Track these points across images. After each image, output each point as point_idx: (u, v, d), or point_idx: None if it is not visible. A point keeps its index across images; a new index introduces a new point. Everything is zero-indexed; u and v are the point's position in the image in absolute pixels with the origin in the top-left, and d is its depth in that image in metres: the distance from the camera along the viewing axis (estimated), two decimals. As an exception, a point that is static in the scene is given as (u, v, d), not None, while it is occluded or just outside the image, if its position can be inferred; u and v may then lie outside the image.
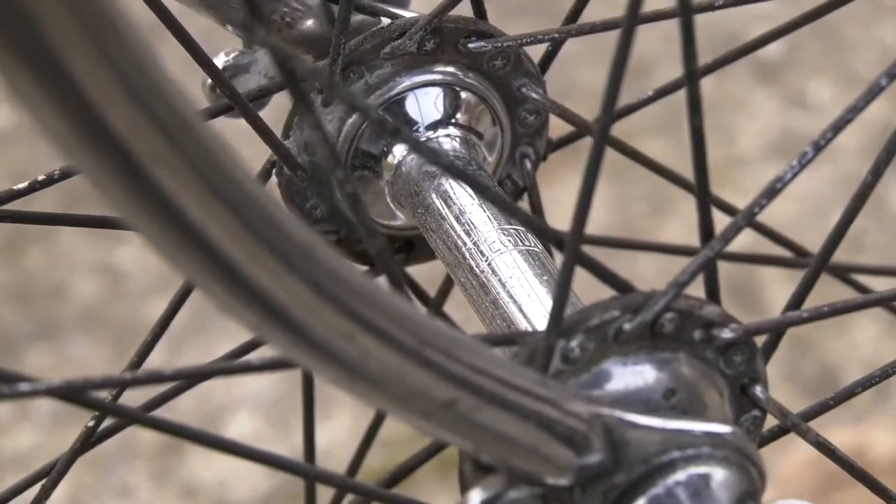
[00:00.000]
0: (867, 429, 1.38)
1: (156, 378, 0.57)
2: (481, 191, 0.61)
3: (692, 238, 0.67)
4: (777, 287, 1.44)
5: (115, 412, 0.62)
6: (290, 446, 1.36)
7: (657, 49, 1.61)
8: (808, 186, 1.54)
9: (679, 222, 1.53)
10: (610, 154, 0.76)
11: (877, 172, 0.59)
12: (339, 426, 1.34)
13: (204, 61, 0.63)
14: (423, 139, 0.69)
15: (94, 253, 1.45)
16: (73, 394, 0.55)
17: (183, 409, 1.27)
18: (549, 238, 0.60)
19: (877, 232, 1.36)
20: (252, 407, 1.36)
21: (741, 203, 0.81)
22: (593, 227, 0.61)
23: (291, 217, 0.46)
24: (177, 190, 0.43)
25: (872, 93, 0.59)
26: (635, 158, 0.75)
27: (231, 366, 0.61)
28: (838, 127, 0.59)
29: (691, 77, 0.55)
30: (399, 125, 0.67)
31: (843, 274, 0.80)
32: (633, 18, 0.52)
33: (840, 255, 0.86)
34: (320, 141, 0.63)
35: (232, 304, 0.46)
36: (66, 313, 1.37)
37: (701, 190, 0.58)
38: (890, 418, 1.40)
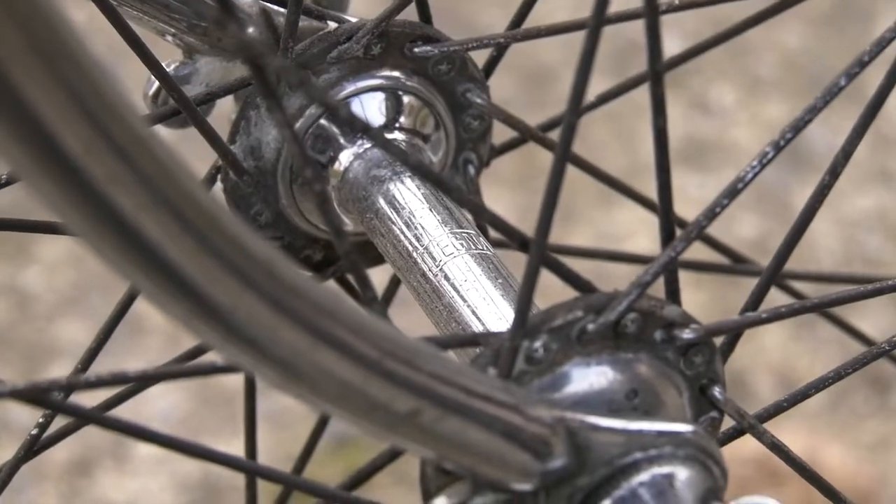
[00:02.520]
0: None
1: (121, 379, 0.57)
2: (448, 191, 0.61)
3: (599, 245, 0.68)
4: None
5: (77, 413, 0.61)
6: (200, 464, 1.36)
7: (559, 56, 1.62)
8: (712, 190, 1.56)
9: (587, 231, 1.54)
10: (516, 164, 0.76)
11: (834, 173, 0.60)
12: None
13: (154, 65, 0.64)
14: (369, 143, 0.69)
15: (1, 274, 1.44)
16: (37, 395, 0.55)
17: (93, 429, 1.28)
18: (515, 239, 0.59)
19: (781, 235, 1.38)
20: (162, 425, 1.36)
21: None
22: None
23: (249, 232, 0.46)
24: (133, 209, 0.43)
25: (832, 93, 0.60)
26: (586, 169, 0.76)
27: (190, 368, 0.61)
28: (797, 127, 0.60)
29: (656, 78, 0.56)
30: (368, 123, 0.67)
31: (781, 282, 0.81)
32: (600, 18, 0.53)
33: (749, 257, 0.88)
34: (289, 139, 0.62)
35: (187, 318, 0.46)
36: None
37: (663, 191, 0.59)
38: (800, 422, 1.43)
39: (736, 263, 0.83)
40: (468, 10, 1.80)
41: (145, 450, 1.38)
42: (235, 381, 1.42)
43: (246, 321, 0.46)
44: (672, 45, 0.96)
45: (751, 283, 0.85)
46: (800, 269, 0.91)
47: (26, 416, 1.34)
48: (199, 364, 0.65)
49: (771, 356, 1.35)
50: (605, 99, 0.75)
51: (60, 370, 1.33)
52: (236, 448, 1.41)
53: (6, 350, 1.37)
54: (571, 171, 0.79)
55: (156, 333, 1.45)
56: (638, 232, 1.45)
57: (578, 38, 0.60)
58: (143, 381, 0.65)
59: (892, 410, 1.23)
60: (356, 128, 0.64)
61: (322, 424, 0.80)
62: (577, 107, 0.54)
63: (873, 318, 1.29)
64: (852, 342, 1.30)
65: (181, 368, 0.61)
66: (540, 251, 0.56)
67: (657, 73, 0.56)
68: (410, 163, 0.65)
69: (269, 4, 0.71)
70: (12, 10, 0.38)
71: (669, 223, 0.60)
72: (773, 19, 1.02)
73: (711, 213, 0.60)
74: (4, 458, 1.31)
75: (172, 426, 1.31)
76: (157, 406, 1.32)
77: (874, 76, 0.71)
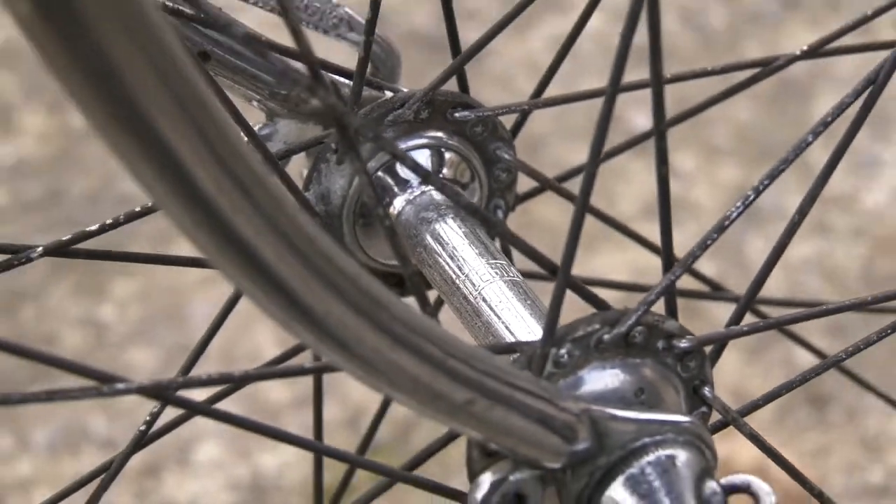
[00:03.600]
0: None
1: (227, 379, 0.58)
2: (493, 226, 0.61)
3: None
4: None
5: (190, 407, 0.61)
6: (250, 468, 1.35)
7: (549, 127, 1.62)
8: (676, 240, 1.54)
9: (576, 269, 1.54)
10: (513, 217, 0.77)
11: (802, 212, 0.61)
12: (290, 451, 1.33)
13: (244, 126, 0.65)
14: (419, 191, 0.69)
15: (79, 308, 1.44)
16: (159, 391, 0.56)
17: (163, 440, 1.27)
18: (546, 266, 0.60)
19: (736, 276, 1.38)
20: (216, 436, 1.35)
21: (630, 249, 0.82)
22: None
23: (342, 254, 0.46)
24: (252, 234, 0.43)
25: (800, 148, 0.61)
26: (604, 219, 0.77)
27: (286, 369, 0.61)
28: (773, 175, 0.60)
29: (660, 135, 0.57)
30: (429, 172, 0.68)
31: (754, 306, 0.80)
32: (616, 85, 0.53)
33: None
34: (365, 183, 0.63)
35: (290, 322, 0.46)
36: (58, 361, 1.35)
37: (664, 228, 0.59)
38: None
39: (716, 291, 0.83)
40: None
41: (204, 455, 1.36)
42: (280, 397, 1.41)
43: (337, 325, 0.46)
44: (645, 121, 0.96)
45: (706, 312, 0.85)
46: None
47: (103, 424, 1.33)
48: (288, 367, 0.66)
49: (727, 379, 1.36)
50: (613, 153, 0.75)
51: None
52: (280, 452, 1.41)
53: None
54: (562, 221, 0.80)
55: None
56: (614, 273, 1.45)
57: (567, 111, 0.61)
58: (245, 381, 0.65)
59: (829, 424, 1.22)
60: (419, 173, 0.64)
61: (381, 415, 0.79)
62: (597, 158, 0.55)
63: (815, 340, 1.29)
64: (797, 364, 1.31)
65: (275, 369, 0.61)
66: (566, 276, 0.56)
67: (661, 131, 0.57)
68: (462, 202, 0.64)
69: (336, 77, 0.71)
70: (161, 72, 0.39)
71: (669, 254, 0.60)
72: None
73: (703, 246, 0.60)
74: (84, 465, 1.30)
75: (230, 436, 1.31)
76: (212, 421, 1.32)
77: (815, 150, 0.72)
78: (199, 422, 1.33)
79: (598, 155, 0.55)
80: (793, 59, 0.70)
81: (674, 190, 1.46)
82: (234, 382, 0.61)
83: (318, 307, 0.45)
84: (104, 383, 0.52)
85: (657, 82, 0.55)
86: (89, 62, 0.38)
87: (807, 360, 1.27)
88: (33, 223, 1.49)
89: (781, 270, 1.32)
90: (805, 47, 0.70)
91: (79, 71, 0.38)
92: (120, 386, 0.52)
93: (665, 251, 0.60)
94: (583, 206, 0.55)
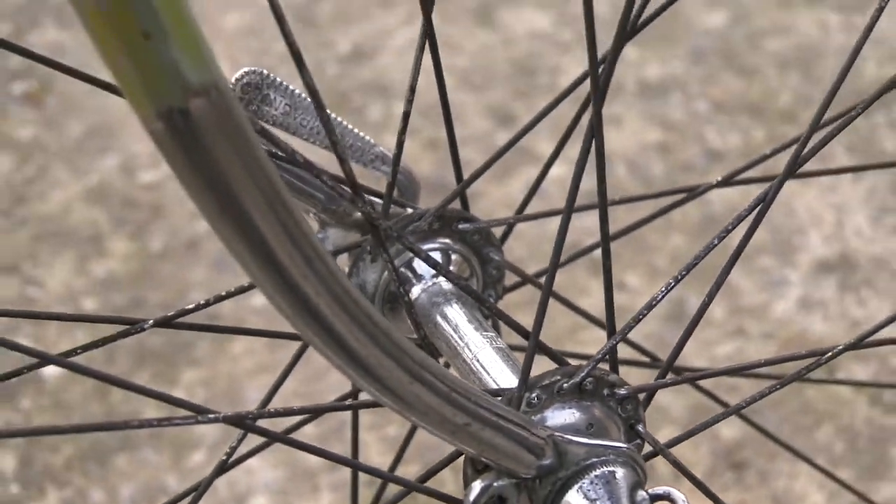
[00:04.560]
0: None
1: (290, 412, 0.58)
2: (488, 308, 0.61)
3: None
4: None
5: (269, 435, 0.59)
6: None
7: (532, 237, 1.59)
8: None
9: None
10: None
11: (710, 296, 0.60)
12: (326, 499, 1.30)
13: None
14: (431, 282, 0.68)
15: (155, 384, 1.37)
16: (239, 421, 0.55)
17: (220, 493, 1.22)
18: (523, 335, 0.61)
19: (678, 330, 1.30)
20: (266, 491, 1.29)
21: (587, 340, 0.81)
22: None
23: (385, 321, 0.47)
24: (326, 309, 0.44)
25: (710, 247, 0.61)
26: (564, 303, 0.75)
27: (345, 405, 0.61)
28: (689, 267, 0.61)
29: (606, 253, 0.59)
30: (447, 269, 0.65)
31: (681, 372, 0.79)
32: (570, 208, 0.56)
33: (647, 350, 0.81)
34: (392, 273, 0.62)
35: (345, 368, 0.47)
36: (138, 434, 1.30)
37: (608, 308, 0.61)
38: None
39: (648, 359, 0.81)
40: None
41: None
42: (318, 461, 1.34)
43: (376, 366, 0.47)
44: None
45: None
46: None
47: (176, 482, 1.28)
48: (342, 403, 0.66)
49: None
50: (572, 258, 0.75)
51: (200, 457, 1.27)
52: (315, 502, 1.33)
53: (161, 442, 1.31)
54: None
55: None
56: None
57: (540, 228, 0.60)
58: (306, 413, 0.63)
59: (747, 485, 1.20)
60: (431, 265, 0.62)
61: (409, 438, 0.78)
62: (556, 261, 0.57)
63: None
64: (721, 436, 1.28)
65: (330, 405, 0.61)
66: (535, 341, 0.59)
67: (607, 250, 0.59)
68: (468, 290, 0.62)
69: (372, 197, 0.70)
70: (257, 184, 0.39)
71: (612, 325, 0.61)
72: (666, 227, 1.00)
73: (637, 319, 0.60)
74: (194, 462, 1.25)
75: (273, 493, 1.26)
76: (263, 477, 1.27)
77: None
78: (252, 478, 1.30)
79: (558, 259, 0.58)
80: (710, 187, 0.70)
81: (622, 301, 1.41)
82: (301, 413, 0.59)
83: (362, 352, 0.46)
84: (199, 413, 0.53)
85: (602, 203, 0.57)
86: (204, 171, 0.38)
87: (728, 432, 1.26)
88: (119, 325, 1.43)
89: (709, 362, 1.29)
90: (720, 178, 0.71)
91: (196, 177, 0.38)
92: (210, 416, 0.53)
93: (609, 324, 0.61)
94: (547, 293, 0.58)
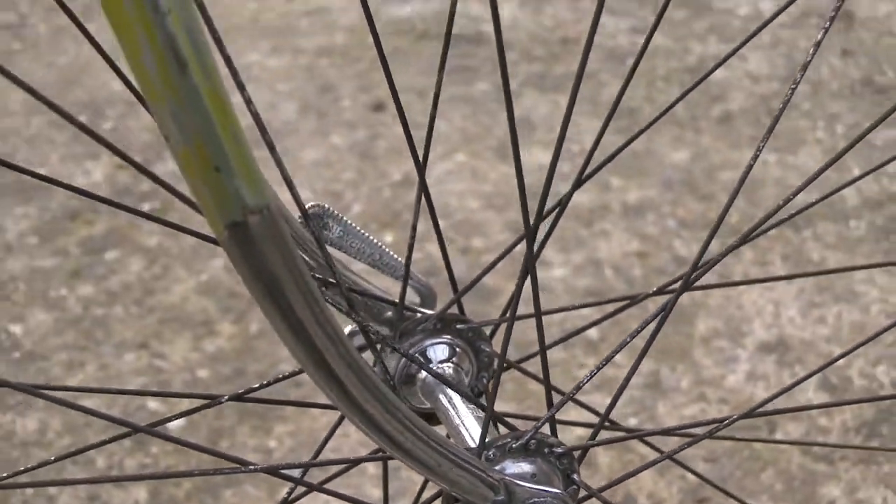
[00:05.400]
0: None
1: (326, 462, 0.59)
2: (464, 395, 0.63)
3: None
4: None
5: (305, 484, 0.58)
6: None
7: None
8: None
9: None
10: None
11: (653, 336, 0.59)
12: None
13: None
14: (438, 368, 0.67)
15: (255, 440, 1.33)
16: (274, 471, 0.56)
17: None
18: (482, 409, 0.63)
19: (657, 397, 1.33)
20: None
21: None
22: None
23: (396, 400, 0.47)
24: (357, 390, 0.44)
25: (645, 322, 0.59)
26: (531, 376, 0.74)
27: (369, 457, 0.61)
28: (633, 335, 0.60)
29: (543, 355, 0.59)
30: (435, 370, 0.65)
31: (620, 428, 0.76)
32: (538, 311, 0.59)
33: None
34: (383, 374, 0.63)
35: (368, 431, 0.48)
36: (239, 476, 1.23)
37: (546, 377, 0.60)
38: None
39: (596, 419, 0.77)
40: None
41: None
42: None
43: (392, 428, 0.48)
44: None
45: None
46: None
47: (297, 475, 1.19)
48: (364, 456, 0.66)
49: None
50: (522, 360, 0.73)
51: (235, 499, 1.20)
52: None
53: (255, 480, 1.28)
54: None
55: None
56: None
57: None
58: (340, 463, 0.63)
59: None
60: (422, 367, 0.63)
61: (424, 485, 0.76)
62: (502, 364, 0.59)
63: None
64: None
65: (360, 458, 0.61)
66: (490, 413, 0.59)
67: (544, 352, 0.60)
68: (452, 384, 0.63)
69: (383, 304, 0.68)
70: (301, 289, 0.38)
71: (550, 394, 0.61)
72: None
73: (578, 387, 0.60)
74: (282, 496, 1.12)
75: None
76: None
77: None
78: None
79: (503, 362, 0.60)
80: (647, 296, 0.67)
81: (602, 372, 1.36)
82: (331, 464, 0.58)
83: (386, 426, 0.47)
84: (241, 465, 0.54)
85: (537, 312, 0.59)
86: (256, 269, 0.37)
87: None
88: (227, 389, 1.38)
89: (677, 420, 1.29)
90: (654, 289, 0.68)
91: (252, 274, 0.38)
92: (251, 467, 0.55)
93: (547, 392, 0.62)
94: (499, 366, 0.59)
